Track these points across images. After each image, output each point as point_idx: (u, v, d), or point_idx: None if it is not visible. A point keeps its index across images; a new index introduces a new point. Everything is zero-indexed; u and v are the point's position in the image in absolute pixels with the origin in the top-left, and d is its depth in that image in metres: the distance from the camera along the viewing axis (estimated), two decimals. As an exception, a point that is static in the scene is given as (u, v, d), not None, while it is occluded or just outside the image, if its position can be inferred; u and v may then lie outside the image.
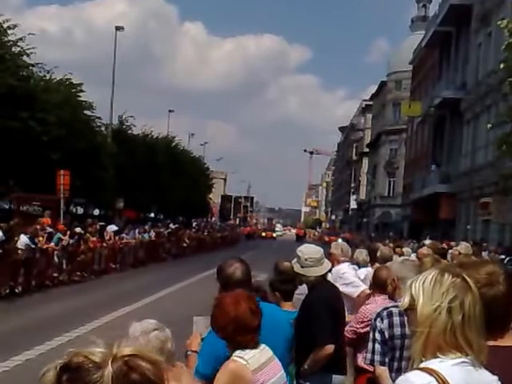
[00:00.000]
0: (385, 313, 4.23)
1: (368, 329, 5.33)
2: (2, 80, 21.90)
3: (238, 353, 3.22)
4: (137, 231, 28.37)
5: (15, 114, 21.98)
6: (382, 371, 4.14)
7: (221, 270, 3.86)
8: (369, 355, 4.23)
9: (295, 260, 5.16)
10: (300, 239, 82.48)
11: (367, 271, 8.41)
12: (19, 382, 8.52)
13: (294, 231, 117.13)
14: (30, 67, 25.12)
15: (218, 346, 3.38)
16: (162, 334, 3.05)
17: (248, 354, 3.21)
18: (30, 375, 8.66)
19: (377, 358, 4.16)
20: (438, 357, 2.01)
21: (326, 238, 63.08)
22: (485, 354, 2.04)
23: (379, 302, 5.60)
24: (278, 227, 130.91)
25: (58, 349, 10.29)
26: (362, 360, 5.46)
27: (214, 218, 79.21)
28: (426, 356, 2.03)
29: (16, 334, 11.37)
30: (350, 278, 7.24)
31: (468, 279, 2.08)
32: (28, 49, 24.19)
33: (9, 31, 23.51)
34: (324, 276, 5.11)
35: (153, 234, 30.46)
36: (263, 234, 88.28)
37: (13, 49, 23.83)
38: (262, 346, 3.33)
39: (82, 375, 1.30)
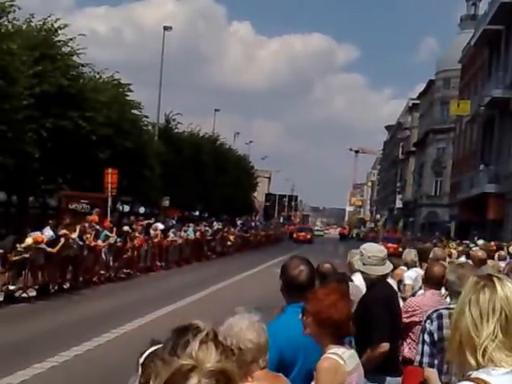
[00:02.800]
0: (435, 315, 4.24)
1: (412, 319, 5.53)
2: (53, 79, 22.35)
3: (334, 350, 3.22)
4: (183, 229, 28.67)
5: (65, 113, 22.42)
6: (431, 373, 4.14)
7: (285, 270, 3.75)
8: (418, 357, 4.24)
9: (357, 257, 5.17)
10: (344, 238, 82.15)
11: (416, 272, 8.33)
12: (67, 377, 8.68)
13: (338, 230, 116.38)
14: (80, 67, 25.59)
15: (277, 336, 3.37)
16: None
17: (345, 353, 3.22)
18: (78, 370, 8.86)
19: (425, 359, 4.16)
20: (485, 366, 1.97)
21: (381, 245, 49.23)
22: None
23: (428, 297, 5.66)
24: (318, 225, 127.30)
25: (106, 345, 10.53)
26: (408, 351, 5.58)
27: (258, 217, 79.34)
28: (464, 364, 2.02)
29: (64, 330, 11.58)
30: None
31: (501, 292, 2.04)
32: (78, 49, 24.68)
33: (59, 31, 24.01)
34: (385, 276, 5.11)
35: (198, 232, 30.67)
36: (294, 235, 64.08)
37: (63, 49, 24.32)
38: (352, 350, 3.37)
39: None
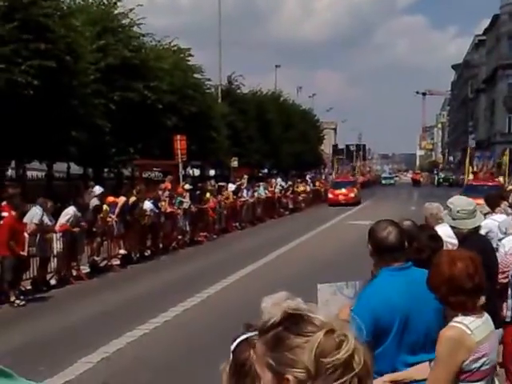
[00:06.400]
0: None
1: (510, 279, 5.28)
2: (117, 52, 22.73)
3: (459, 319, 3.05)
4: (253, 189, 28.83)
5: (130, 85, 22.80)
6: None
7: (373, 232, 3.58)
8: (509, 312, 4.31)
9: (446, 212, 5.09)
10: (417, 184, 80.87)
11: (492, 220, 8.10)
12: (161, 342, 8.85)
13: (409, 175, 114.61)
14: (141, 37, 25.86)
15: (372, 299, 3.40)
16: (293, 302, 3.01)
17: (473, 323, 3.04)
18: (169, 335, 9.03)
19: None
20: None
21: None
22: None
23: None
24: (386, 172, 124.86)
25: (193, 309, 10.69)
26: (506, 310, 5.31)
27: (326, 169, 78.89)
28: None
29: (150, 296, 11.78)
30: None
31: None
32: (137, 19, 24.96)
33: (117, 4, 24.32)
34: (476, 229, 5.00)
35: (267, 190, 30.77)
36: (329, 195, 40.10)
37: (123, 21, 24.61)
38: (485, 315, 3.16)
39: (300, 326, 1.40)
